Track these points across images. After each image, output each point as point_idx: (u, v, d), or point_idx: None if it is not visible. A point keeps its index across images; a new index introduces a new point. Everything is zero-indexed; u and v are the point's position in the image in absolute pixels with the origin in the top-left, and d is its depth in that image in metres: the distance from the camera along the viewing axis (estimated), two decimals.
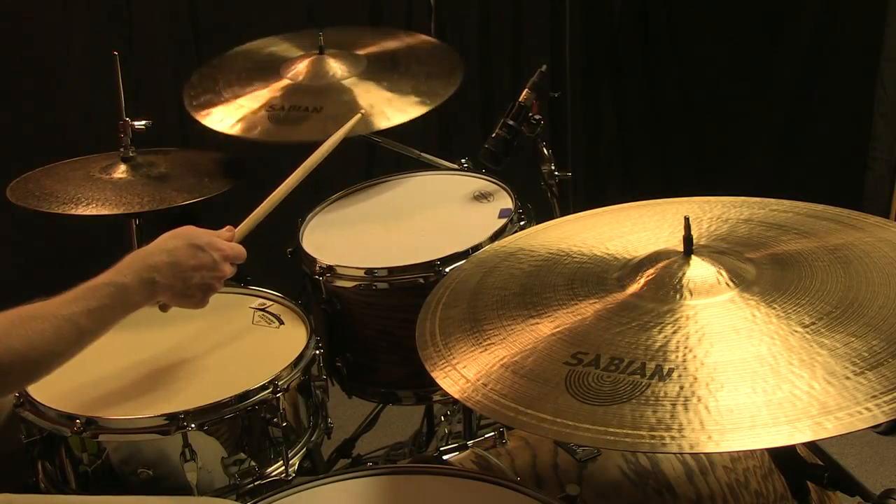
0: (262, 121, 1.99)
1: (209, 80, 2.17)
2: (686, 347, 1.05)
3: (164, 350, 1.67)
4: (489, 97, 3.33)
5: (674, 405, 0.97)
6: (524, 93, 1.91)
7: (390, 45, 2.26)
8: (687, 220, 1.19)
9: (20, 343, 1.25)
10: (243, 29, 2.97)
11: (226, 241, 1.51)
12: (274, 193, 1.67)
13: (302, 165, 1.75)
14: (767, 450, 1.28)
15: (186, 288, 1.43)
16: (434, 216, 1.93)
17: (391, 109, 2.00)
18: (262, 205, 1.64)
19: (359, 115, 1.96)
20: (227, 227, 1.55)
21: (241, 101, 2.06)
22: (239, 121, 2.01)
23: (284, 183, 1.70)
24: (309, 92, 2.07)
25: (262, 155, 2.12)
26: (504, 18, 3.34)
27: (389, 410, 2.32)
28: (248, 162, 2.15)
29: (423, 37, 2.37)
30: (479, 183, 2.01)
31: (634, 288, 1.18)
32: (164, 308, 1.54)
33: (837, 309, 1.08)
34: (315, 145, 1.80)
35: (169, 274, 1.40)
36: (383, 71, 2.14)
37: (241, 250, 1.52)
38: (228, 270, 1.49)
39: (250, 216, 1.61)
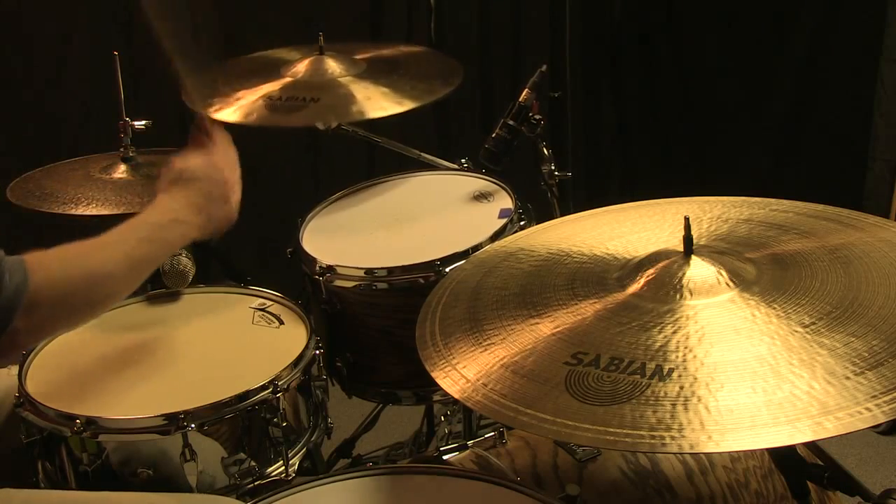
0: (258, 109, 2.00)
1: (209, 80, 2.17)
2: (686, 347, 1.05)
3: (164, 350, 1.67)
4: (489, 97, 3.33)
5: (674, 405, 0.97)
6: (524, 93, 1.91)
7: (389, 52, 2.28)
8: (687, 220, 1.19)
9: (94, 268, 1.30)
10: (243, 29, 2.98)
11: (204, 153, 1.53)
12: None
13: None
14: (767, 450, 1.28)
15: (216, 220, 1.48)
16: (434, 216, 1.93)
17: (387, 101, 2.00)
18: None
19: None
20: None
21: (239, 93, 2.07)
22: (236, 110, 2.02)
23: None
24: (307, 86, 2.07)
25: (259, 153, 2.12)
26: (504, 19, 3.34)
27: (389, 410, 2.32)
28: (247, 160, 2.15)
29: (423, 48, 2.37)
30: (479, 183, 2.01)
31: (634, 288, 1.18)
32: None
33: (837, 309, 1.08)
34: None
35: (202, 213, 1.45)
36: (381, 72, 2.14)
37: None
38: (239, 198, 1.54)
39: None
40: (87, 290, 1.29)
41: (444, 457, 1.39)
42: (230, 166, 1.54)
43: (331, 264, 1.75)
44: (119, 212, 1.91)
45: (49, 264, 1.25)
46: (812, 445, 1.40)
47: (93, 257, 1.31)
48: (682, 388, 0.99)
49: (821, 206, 1.35)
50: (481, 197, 1.95)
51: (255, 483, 1.54)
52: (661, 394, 0.99)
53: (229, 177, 1.52)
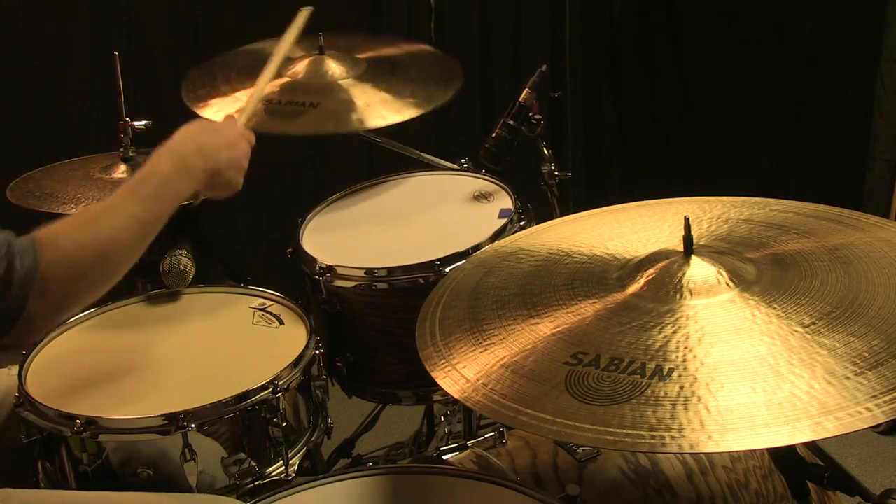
0: (258, 113, 1.99)
1: (208, 75, 2.16)
2: (686, 347, 1.05)
3: (164, 350, 1.67)
4: (489, 97, 3.34)
5: (674, 405, 0.97)
6: (524, 93, 1.91)
7: (390, 51, 2.27)
8: (687, 220, 1.19)
9: (103, 237, 1.28)
10: (243, 29, 2.98)
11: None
12: (254, 89, 1.73)
13: (267, 68, 1.80)
14: (767, 450, 1.28)
15: (219, 169, 1.46)
16: (434, 216, 1.93)
17: (387, 110, 2.00)
18: (249, 98, 1.71)
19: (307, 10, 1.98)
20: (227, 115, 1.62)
21: (238, 94, 2.06)
22: (235, 113, 2.00)
23: (259, 81, 1.76)
24: (307, 89, 2.06)
25: (259, 153, 2.13)
26: (504, 19, 3.34)
27: (389, 410, 2.32)
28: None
29: (424, 46, 2.36)
30: (479, 183, 2.01)
31: (634, 288, 1.18)
32: (196, 199, 1.52)
33: (837, 309, 1.08)
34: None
35: (199, 158, 1.43)
36: (382, 74, 2.13)
37: (250, 132, 1.58)
38: (248, 147, 1.54)
39: (242, 109, 1.68)
40: (99, 262, 1.28)
41: (444, 457, 1.39)
42: (247, 139, 1.55)
43: (331, 264, 1.75)
44: None
45: (58, 241, 1.24)
46: (812, 445, 1.41)
47: (101, 226, 1.29)
48: (682, 388, 0.99)
49: (821, 206, 1.35)
50: (481, 197, 1.95)
51: (255, 483, 1.54)
52: (661, 394, 0.99)
53: (243, 145, 1.52)
